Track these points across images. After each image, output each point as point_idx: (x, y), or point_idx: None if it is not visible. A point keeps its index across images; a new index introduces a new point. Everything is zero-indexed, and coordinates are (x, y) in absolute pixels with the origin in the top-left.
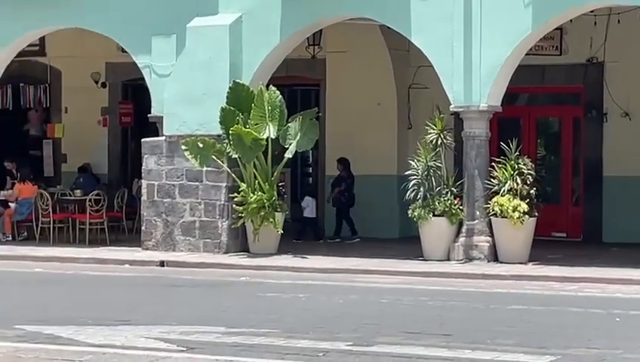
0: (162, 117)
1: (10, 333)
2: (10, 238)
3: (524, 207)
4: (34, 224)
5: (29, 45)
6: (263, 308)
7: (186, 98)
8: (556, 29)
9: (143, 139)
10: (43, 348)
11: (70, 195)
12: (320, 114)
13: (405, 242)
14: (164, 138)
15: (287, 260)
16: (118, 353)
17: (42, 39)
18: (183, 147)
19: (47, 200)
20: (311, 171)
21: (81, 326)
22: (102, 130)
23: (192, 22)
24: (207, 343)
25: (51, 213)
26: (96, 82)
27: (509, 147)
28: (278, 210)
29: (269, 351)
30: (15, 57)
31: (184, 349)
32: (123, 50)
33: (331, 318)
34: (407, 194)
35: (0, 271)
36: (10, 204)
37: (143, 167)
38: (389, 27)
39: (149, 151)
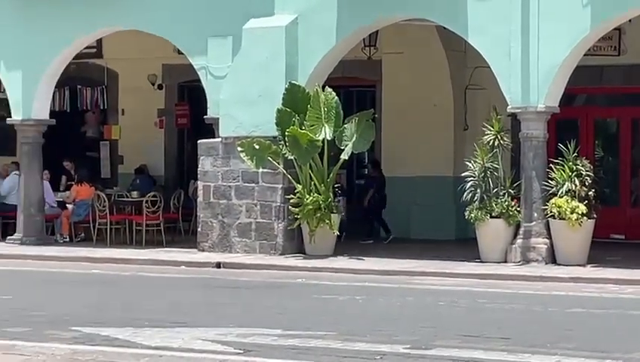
0: (218, 118)
1: (67, 335)
2: (67, 239)
3: (582, 208)
4: (91, 225)
5: (86, 47)
6: (319, 311)
7: (242, 99)
8: (615, 29)
9: (199, 141)
10: (100, 350)
11: (127, 197)
12: (376, 115)
13: (462, 244)
14: (220, 139)
15: (343, 262)
16: (175, 355)
17: (99, 41)
18: (239, 148)
19: (104, 201)
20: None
21: (139, 328)
22: (158, 131)
23: (248, 23)
24: (264, 346)
25: (108, 214)
26: (153, 84)
27: (566, 148)
28: (334, 211)
29: (326, 353)
30: (72, 59)
31: (241, 352)
32: (179, 52)
33: (388, 321)
34: (464, 195)
35: (57, 273)
36: (67, 205)
37: (199, 169)
38: (445, 28)
39: (205, 153)
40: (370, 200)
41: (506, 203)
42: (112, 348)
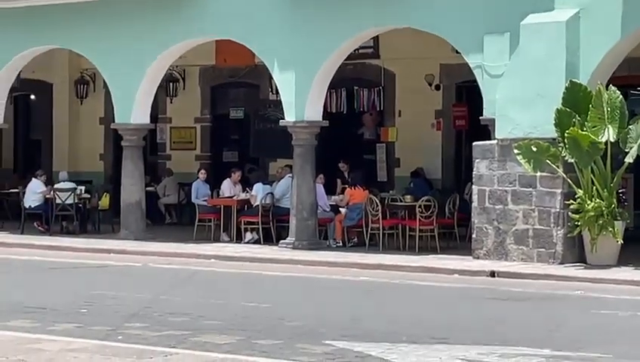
0: (494, 119)
1: (318, 350)
2: (340, 244)
3: None
4: (364, 230)
5: (362, 48)
6: (595, 328)
7: (519, 99)
8: None
9: (474, 143)
10: None
11: (400, 201)
12: None
13: None
14: (495, 141)
15: (626, 273)
16: None
17: (376, 41)
18: (516, 151)
19: (377, 205)
20: None
21: (395, 343)
22: (435, 133)
23: (527, 19)
24: None
25: (381, 218)
26: (430, 84)
27: None
28: (618, 218)
29: None
30: (349, 60)
31: None
32: (457, 52)
33: None
34: None
35: (324, 279)
36: (340, 209)
37: (473, 172)
38: None
39: (481, 156)
40: None
41: None
42: None
